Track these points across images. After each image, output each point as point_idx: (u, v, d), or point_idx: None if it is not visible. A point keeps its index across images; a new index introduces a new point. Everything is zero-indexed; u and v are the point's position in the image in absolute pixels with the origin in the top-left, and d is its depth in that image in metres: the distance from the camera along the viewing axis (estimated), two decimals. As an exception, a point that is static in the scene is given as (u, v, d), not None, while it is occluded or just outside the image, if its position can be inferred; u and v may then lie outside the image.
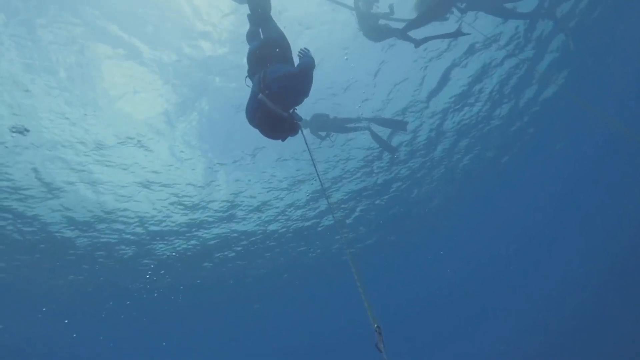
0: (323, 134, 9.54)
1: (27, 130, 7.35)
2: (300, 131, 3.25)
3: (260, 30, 4.30)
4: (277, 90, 3.02)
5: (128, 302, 16.18)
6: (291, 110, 3.24)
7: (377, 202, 14.72)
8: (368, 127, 9.88)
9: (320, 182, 3.41)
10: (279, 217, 13.60)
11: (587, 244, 26.33)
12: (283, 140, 3.13)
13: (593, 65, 11.45)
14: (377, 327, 1.67)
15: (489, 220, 20.06)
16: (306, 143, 3.60)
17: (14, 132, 7.21)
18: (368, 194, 13.89)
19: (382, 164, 12.50)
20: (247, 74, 3.71)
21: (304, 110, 3.86)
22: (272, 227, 14.06)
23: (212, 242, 13.89)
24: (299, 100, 3.32)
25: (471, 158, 13.94)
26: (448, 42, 8.88)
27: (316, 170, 3.47)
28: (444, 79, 9.90)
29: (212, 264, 15.35)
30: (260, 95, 2.93)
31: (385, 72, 9.16)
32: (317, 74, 3.56)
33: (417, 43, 7.95)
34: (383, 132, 10.83)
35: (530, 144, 14.60)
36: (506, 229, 21.84)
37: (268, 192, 12.08)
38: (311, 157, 3.46)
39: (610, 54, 11.27)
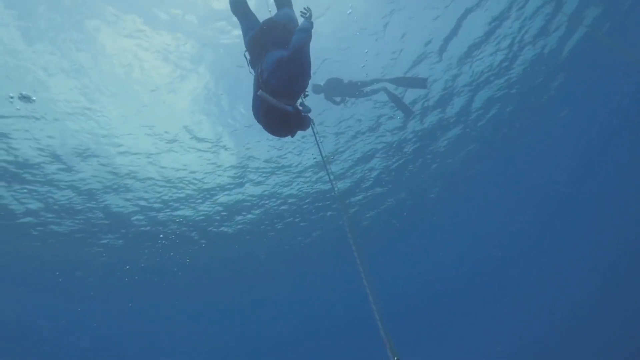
0: (338, 99, 9.26)
1: (30, 97, 7.59)
2: (311, 126, 2.99)
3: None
4: (276, 83, 2.80)
5: (143, 265, 16.89)
6: (298, 102, 2.98)
7: (393, 166, 14.49)
8: (384, 87, 9.51)
9: (325, 167, 3.30)
10: (293, 182, 13.71)
11: (607, 223, 24.64)
12: (292, 136, 2.89)
13: (631, 4, 10.27)
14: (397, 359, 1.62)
15: (509, 186, 19.22)
16: (316, 138, 3.40)
17: (18, 98, 7.50)
18: (383, 156, 13.64)
19: (395, 124, 12.14)
20: (247, 61, 3.47)
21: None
22: (287, 191, 14.22)
23: (227, 208, 14.20)
24: (302, 86, 3.00)
25: (493, 115, 13.25)
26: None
27: (324, 162, 3.34)
28: (459, 27, 9.21)
29: (232, 230, 15.86)
30: (259, 92, 2.72)
31: (394, 25, 8.63)
32: (317, 33, 3.29)
33: None
34: (397, 92, 10.39)
35: (557, 97, 13.63)
36: (527, 196, 20.86)
37: (280, 157, 12.12)
38: (320, 151, 3.32)
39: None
